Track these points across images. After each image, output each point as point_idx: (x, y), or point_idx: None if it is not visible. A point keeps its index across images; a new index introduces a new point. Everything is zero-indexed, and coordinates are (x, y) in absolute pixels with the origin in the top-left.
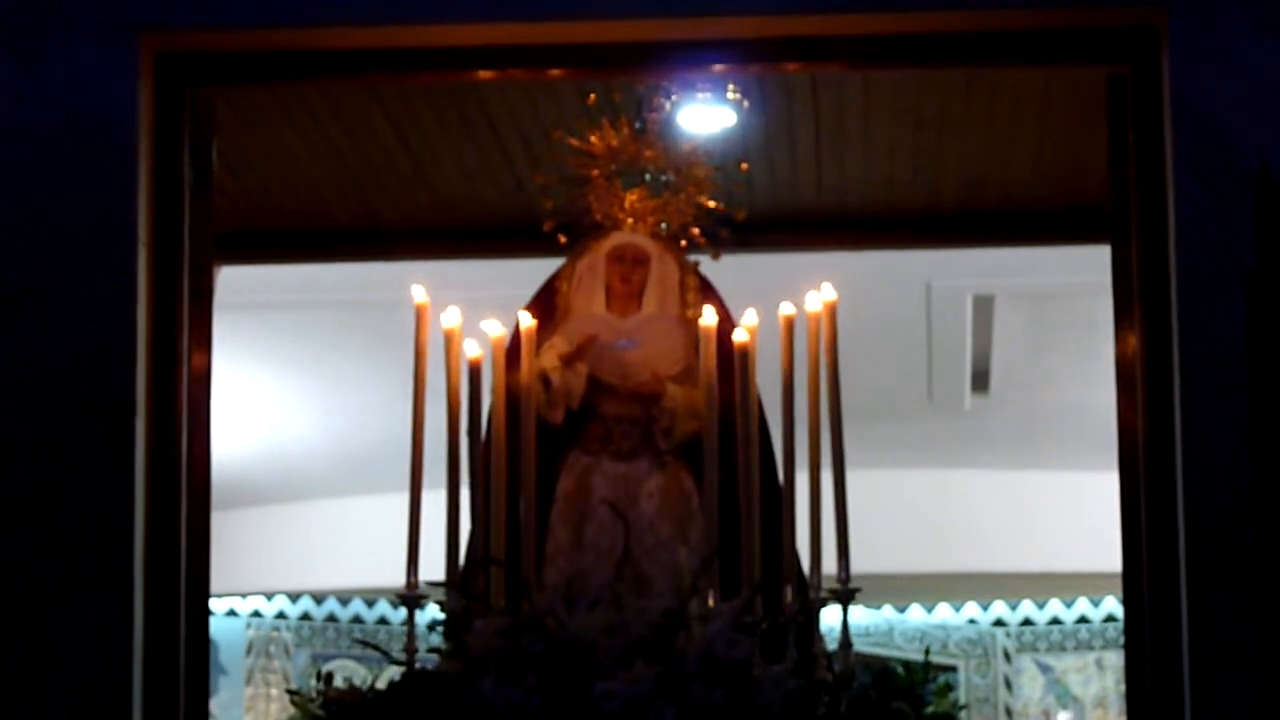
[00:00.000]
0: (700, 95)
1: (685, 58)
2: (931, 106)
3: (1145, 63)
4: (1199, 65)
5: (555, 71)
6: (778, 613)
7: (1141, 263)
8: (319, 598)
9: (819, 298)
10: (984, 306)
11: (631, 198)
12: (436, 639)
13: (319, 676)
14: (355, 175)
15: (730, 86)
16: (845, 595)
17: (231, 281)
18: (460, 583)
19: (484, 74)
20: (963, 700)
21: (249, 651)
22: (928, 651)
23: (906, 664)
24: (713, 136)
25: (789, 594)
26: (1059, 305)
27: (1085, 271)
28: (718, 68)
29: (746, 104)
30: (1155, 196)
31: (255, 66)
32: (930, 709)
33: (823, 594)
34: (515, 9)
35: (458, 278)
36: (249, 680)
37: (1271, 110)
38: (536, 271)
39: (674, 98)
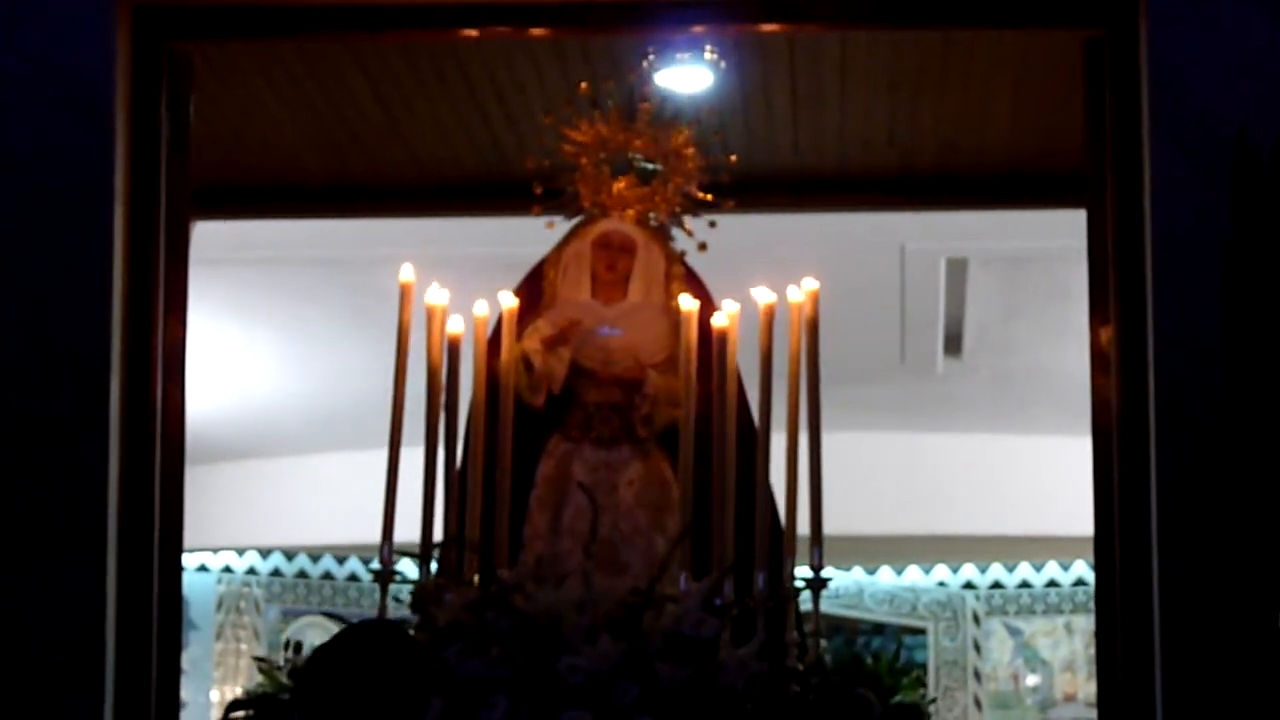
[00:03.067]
0: (678, 56)
1: (664, 17)
2: (908, 68)
3: (1122, 26)
4: (1176, 29)
5: (534, 30)
6: (748, 597)
7: (1117, 229)
8: (290, 554)
9: (801, 289)
10: (958, 270)
11: (619, 185)
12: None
13: (287, 645)
14: (331, 132)
15: (707, 47)
16: (817, 583)
17: (205, 237)
18: (435, 556)
19: (462, 32)
20: (932, 663)
21: (219, 607)
22: (898, 650)
23: (876, 654)
24: (690, 97)
25: (760, 580)
26: (1032, 270)
27: (1059, 236)
28: (696, 28)
29: (724, 64)
30: (1131, 162)
31: (232, 21)
32: (898, 699)
33: (795, 582)
34: None
35: (427, 235)
36: (219, 635)
37: (1249, 76)
38: (513, 229)
39: (652, 58)
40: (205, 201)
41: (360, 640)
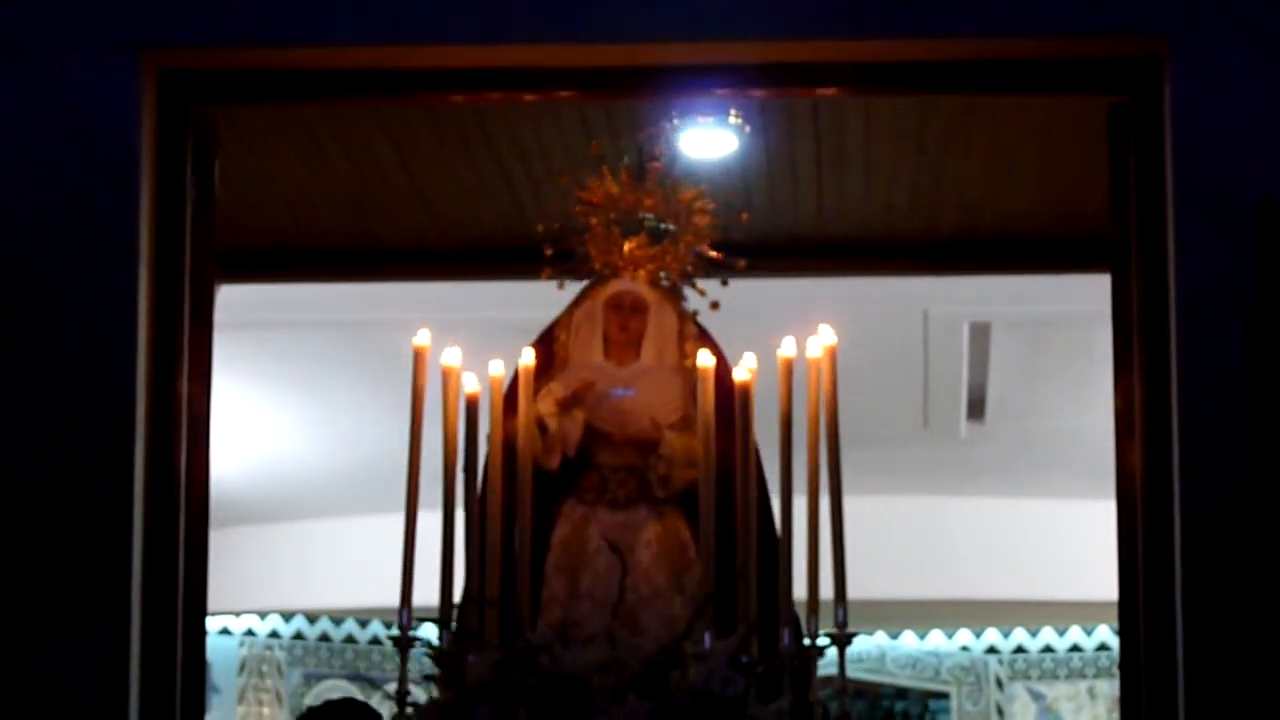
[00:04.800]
0: (701, 120)
1: (687, 82)
2: (932, 133)
3: (1147, 93)
4: (1200, 96)
5: (559, 95)
6: (774, 655)
7: (1141, 293)
8: (312, 617)
9: (819, 341)
10: (980, 334)
11: (630, 246)
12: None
13: (305, 714)
14: (354, 195)
15: (732, 111)
16: (842, 640)
17: (230, 300)
18: (455, 618)
19: (485, 96)
20: None
21: (242, 670)
22: (924, 709)
23: (904, 714)
24: (714, 161)
25: (785, 637)
26: (1055, 333)
27: (1082, 300)
28: (720, 92)
29: (748, 129)
30: (1155, 227)
31: (257, 85)
32: None
33: (820, 639)
34: (517, 31)
35: (449, 300)
36: (241, 699)
37: (1272, 142)
38: (531, 294)
39: (676, 121)
40: (230, 264)
41: None
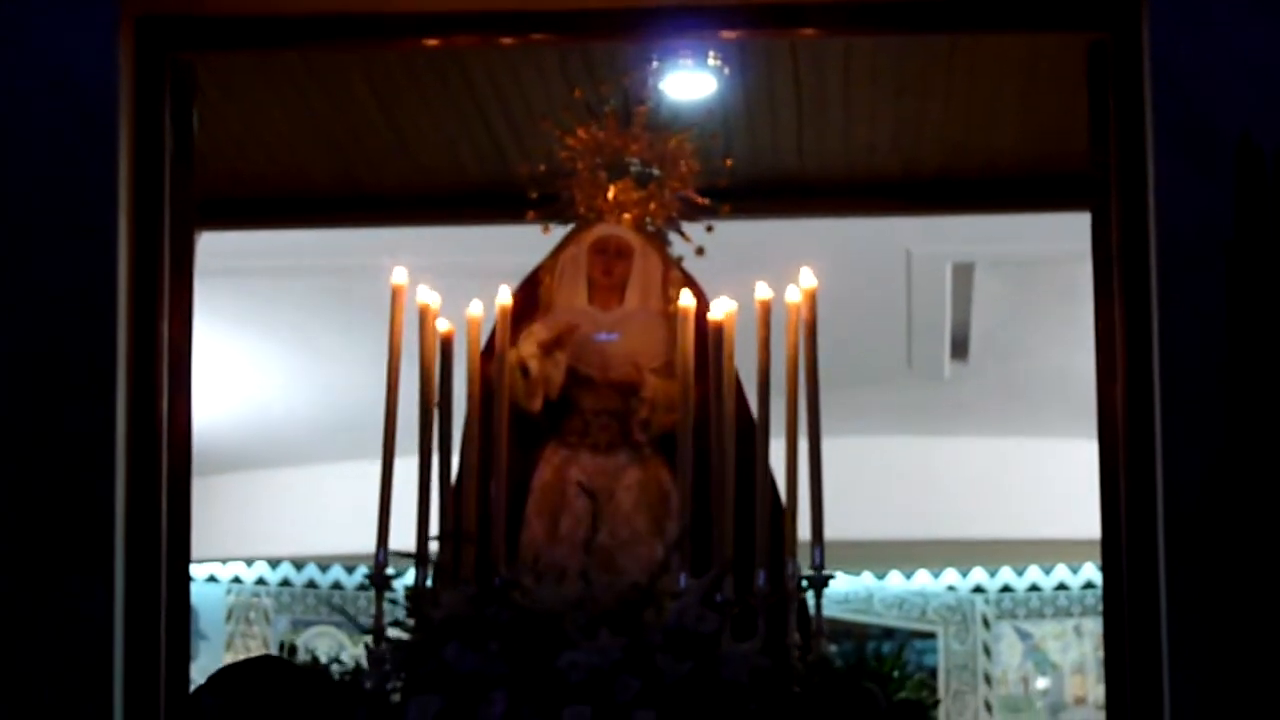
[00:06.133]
0: (681, 62)
1: (667, 24)
2: (912, 73)
3: (1126, 30)
4: (1179, 32)
5: (537, 38)
6: (749, 595)
7: (1121, 231)
8: (299, 564)
9: (798, 286)
10: (964, 274)
11: (615, 190)
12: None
13: (282, 648)
14: (335, 141)
15: (711, 53)
16: (819, 581)
17: (211, 247)
18: (430, 558)
19: (465, 40)
20: (942, 666)
21: (229, 617)
22: (902, 649)
23: (880, 652)
24: (694, 104)
25: (761, 578)
26: (1039, 273)
27: (1065, 239)
28: (699, 34)
29: (727, 71)
30: (1135, 164)
31: (236, 31)
32: (902, 695)
33: (797, 581)
34: None
35: (433, 244)
36: (229, 646)
37: (1252, 78)
38: (513, 239)
39: (655, 64)
40: (210, 212)
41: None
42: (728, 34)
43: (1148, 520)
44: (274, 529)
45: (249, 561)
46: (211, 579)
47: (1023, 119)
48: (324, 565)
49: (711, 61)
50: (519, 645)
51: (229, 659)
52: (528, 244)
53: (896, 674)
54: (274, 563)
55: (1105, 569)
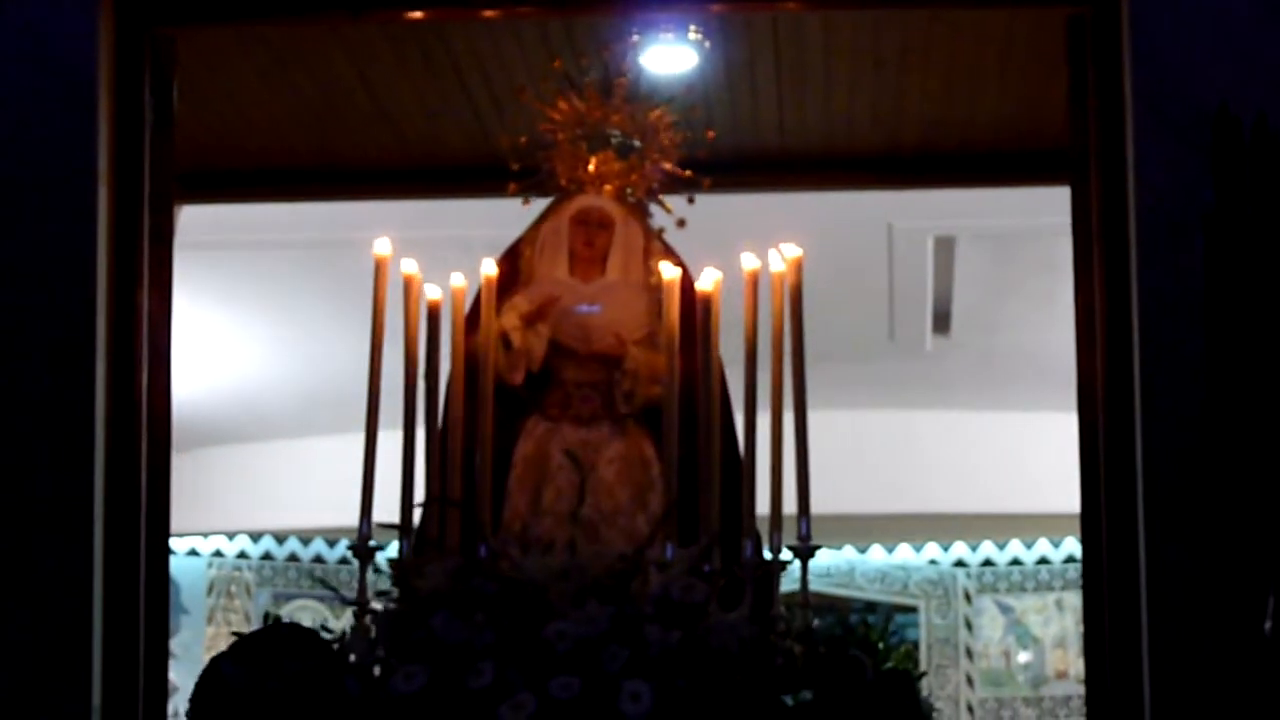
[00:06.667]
0: (662, 35)
1: None
2: (892, 46)
3: (1105, 3)
4: (1158, 5)
5: (519, 11)
6: (736, 566)
7: (1101, 204)
8: (281, 537)
9: (782, 256)
10: (945, 247)
11: (596, 161)
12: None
13: (266, 617)
14: (317, 114)
15: (691, 26)
16: (805, 553)
17: (192, 221)
18: (415, 529)
19: (443, 12)
20: (924, 640)
21: (210, 591)
22: (888, 622)
23: (866, 623)
24: (675, 77)
25: (747, 548)
26: (1020, 246)
27: (1047, 213)
28: (679, 7)
29: (708, 44)
30: (1115, 137)
31: (216, 5)
32: (889, 665)
33: (782, 553)
34: None
35: (417, 217)
36: (210, 620)
37: (1229, 50)
38: (496, 212)
39: (636, 38)
40: (192, 185)
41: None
42: (709, 8)
43: (1127, 493)
44: (256, 503)
45: (230, 535)
46: (193, 553)
47: (1002, 92)
48: (306, 539)
49: (692, 35)
50: (506, 616)
51: (210, 633)
52: (512, 217)
53: (882, 645)
54: (255, 536)
55: (1085, 542)
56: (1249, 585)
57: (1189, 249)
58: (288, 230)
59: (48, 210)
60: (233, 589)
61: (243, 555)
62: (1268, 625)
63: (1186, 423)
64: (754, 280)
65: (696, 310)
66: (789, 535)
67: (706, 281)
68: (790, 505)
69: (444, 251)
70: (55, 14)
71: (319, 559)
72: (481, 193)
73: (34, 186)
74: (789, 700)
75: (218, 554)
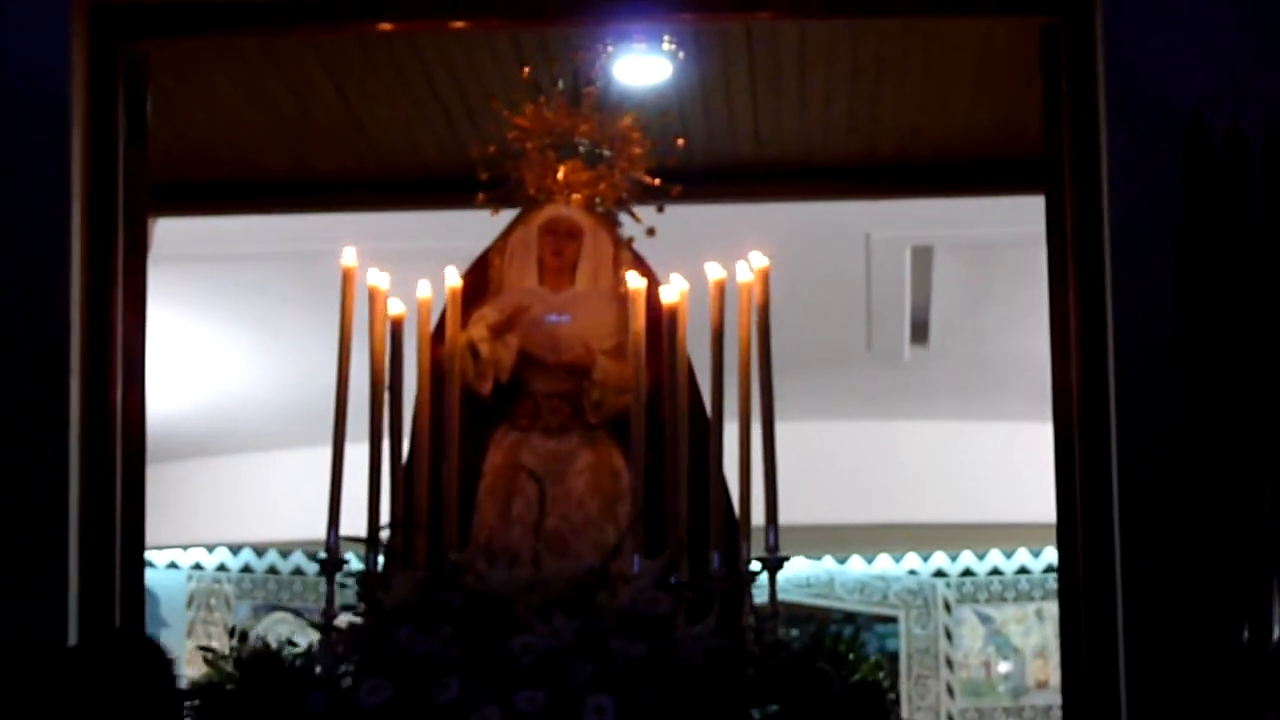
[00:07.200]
0: (635, 46)
1: (620, 8)
2: (867, 56)
3: (1078, 13)
4: (1131, 16)
5: (492, 23)
6: (704, 578)
7: (1075, 214)
8: (260, 550)
9: (750, 265)
10: (923, 257)
11: (565, 170)
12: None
13: (232, 634)
14: (291, 126)
15: (665, 37)
16: (774, 564)
17: (167, 233)
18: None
19: (420, 25)
20: (903, 651)
21: (190, 604)
22: (857, 631)
23: (837, 635)
24: (649, 88)
25: (715, 560)
26: (998, 256)
27: (1024, 222)
28: (654, 18)
29: (682, 54)
30: (1089, 147)
31: (189, 18)
32: (857, 677)
33: (751, 564)
34: None
35: (393, 229)
36: (190, 632)
37: (1203, 60)
38: (471, 223)
39: (609, 48)
40: (167, 198)
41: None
42: (683, 18)
43: (1103, 501)
44: (235, 515)
45: (210, 548)
46: (172, 565)
47: (978, 102)
48: (285, 552)
49: (666, 46)
50: (472, 629)
51: (190, 645)
52: (486, 229)
53: (852, 656)
54: (235, 549)
55: (1061, 550)
56: (1225, 594)
57: (1163, 257)
58: (263, 242)
59: (22, 223)
60: (212, 602)
61: (222, 568)
62: (1245, 635)
63: (1162, 432)
64: (720, 290)
65: (663, 318)
66: (758, 546)
67: (671, 293)
68: (759, 516)
69: (420, 263)
70: (29, 28)
71: (298, 571)
72: (456, 204)
73: (7, 199)
74: (756, 713)
75: (197, 567)
